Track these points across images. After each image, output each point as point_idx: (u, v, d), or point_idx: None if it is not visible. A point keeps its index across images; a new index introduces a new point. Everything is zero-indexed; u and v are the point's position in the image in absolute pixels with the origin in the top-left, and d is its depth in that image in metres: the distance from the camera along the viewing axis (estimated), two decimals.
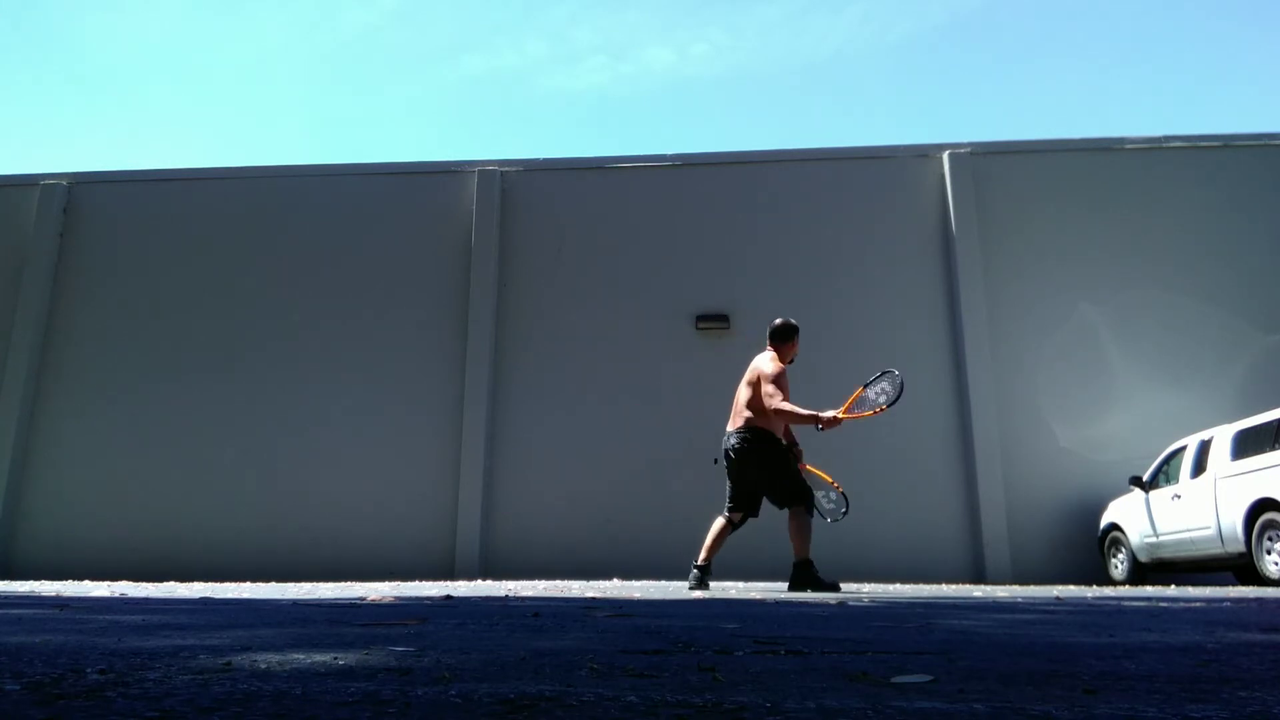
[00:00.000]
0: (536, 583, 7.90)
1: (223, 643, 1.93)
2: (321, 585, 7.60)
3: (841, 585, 6.86)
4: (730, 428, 6.00)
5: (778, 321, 6.20)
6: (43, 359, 12.35)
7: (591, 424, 11.44)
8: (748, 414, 5.88)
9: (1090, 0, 36.42)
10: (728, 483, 6.02)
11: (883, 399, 5.89)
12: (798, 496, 5.77)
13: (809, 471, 6.06)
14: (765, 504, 6.02)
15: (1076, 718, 1.07)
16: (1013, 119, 41.27)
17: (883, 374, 6.04)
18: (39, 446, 12.05)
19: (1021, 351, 11.21)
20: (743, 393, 5.99)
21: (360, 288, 12.28)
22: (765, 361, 5.98)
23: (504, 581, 8.50)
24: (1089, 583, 9.97)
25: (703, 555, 5.90)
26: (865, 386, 6.02)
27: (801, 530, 5.69)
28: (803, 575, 5.63)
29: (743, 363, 6.26)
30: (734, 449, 5.90)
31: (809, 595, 5.08)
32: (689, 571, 5.90)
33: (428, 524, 11.24)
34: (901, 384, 5.87)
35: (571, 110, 47.61)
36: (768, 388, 5.79)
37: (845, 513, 6.08)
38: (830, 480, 6.06)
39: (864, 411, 5.98)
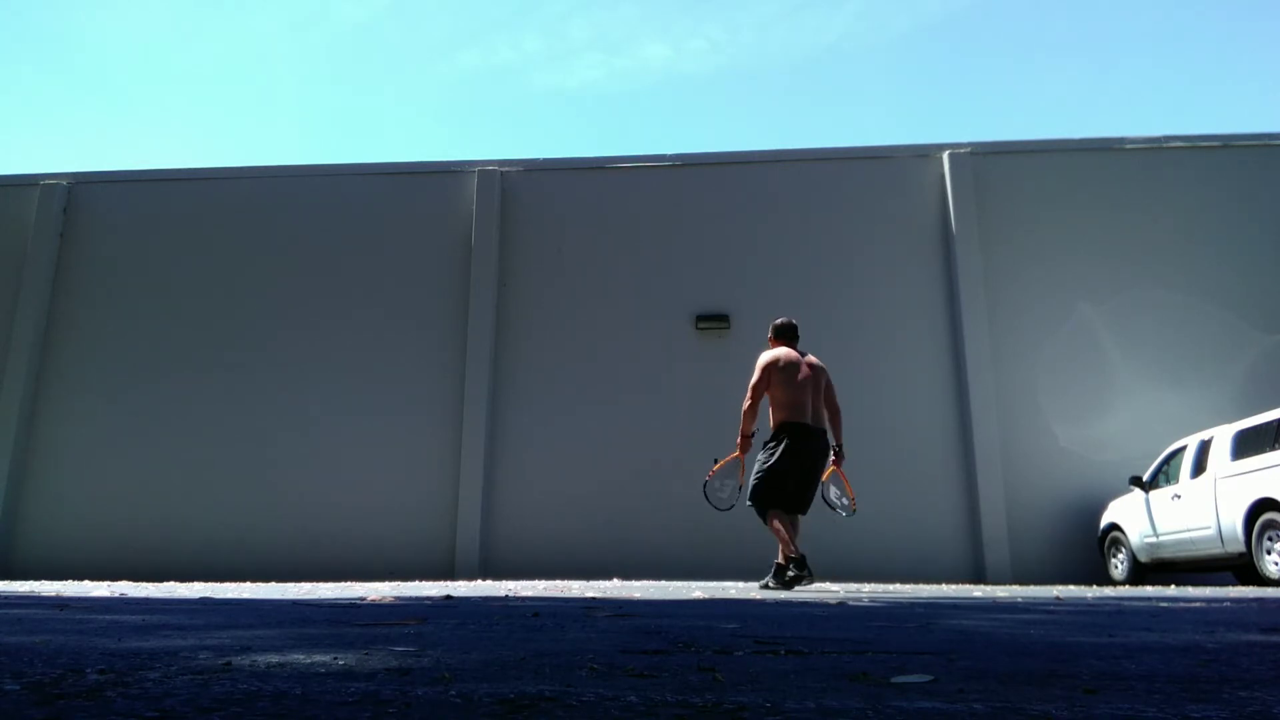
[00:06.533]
0: (536, 583, 7.90)
1: (223, 643, 1.93)
2: (321, 585, 7.60)
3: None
4: (818, 425, 6.02)
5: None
6: (43, 359, 12.35)
7: (591, 424, 11.43)
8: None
9: None
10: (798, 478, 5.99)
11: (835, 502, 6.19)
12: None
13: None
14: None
15: (1076, 718, 1.07)
16: (1013, 119, 41.28)
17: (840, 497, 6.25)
18: (39, 446, 12.05)
19: (1021, 351, 11.21)
20: (816, 394, 6.05)
21: (360, 288, 12.28)
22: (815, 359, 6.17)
23: (504, 581, 8.50)
24: (1089, 583, 9.96)
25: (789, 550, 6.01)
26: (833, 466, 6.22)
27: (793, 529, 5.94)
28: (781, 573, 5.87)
29: (743, 362, 6.21)
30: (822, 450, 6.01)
31: (809, 595, 5.10)
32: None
33: (428, 524, 11.24)
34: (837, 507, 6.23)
35: (567, 107, 47.63)
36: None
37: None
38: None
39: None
